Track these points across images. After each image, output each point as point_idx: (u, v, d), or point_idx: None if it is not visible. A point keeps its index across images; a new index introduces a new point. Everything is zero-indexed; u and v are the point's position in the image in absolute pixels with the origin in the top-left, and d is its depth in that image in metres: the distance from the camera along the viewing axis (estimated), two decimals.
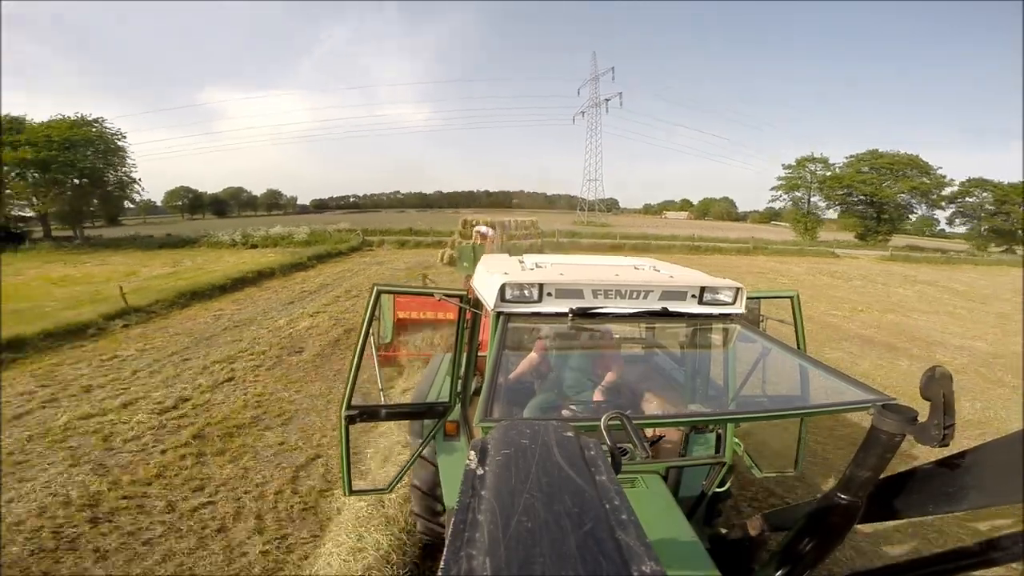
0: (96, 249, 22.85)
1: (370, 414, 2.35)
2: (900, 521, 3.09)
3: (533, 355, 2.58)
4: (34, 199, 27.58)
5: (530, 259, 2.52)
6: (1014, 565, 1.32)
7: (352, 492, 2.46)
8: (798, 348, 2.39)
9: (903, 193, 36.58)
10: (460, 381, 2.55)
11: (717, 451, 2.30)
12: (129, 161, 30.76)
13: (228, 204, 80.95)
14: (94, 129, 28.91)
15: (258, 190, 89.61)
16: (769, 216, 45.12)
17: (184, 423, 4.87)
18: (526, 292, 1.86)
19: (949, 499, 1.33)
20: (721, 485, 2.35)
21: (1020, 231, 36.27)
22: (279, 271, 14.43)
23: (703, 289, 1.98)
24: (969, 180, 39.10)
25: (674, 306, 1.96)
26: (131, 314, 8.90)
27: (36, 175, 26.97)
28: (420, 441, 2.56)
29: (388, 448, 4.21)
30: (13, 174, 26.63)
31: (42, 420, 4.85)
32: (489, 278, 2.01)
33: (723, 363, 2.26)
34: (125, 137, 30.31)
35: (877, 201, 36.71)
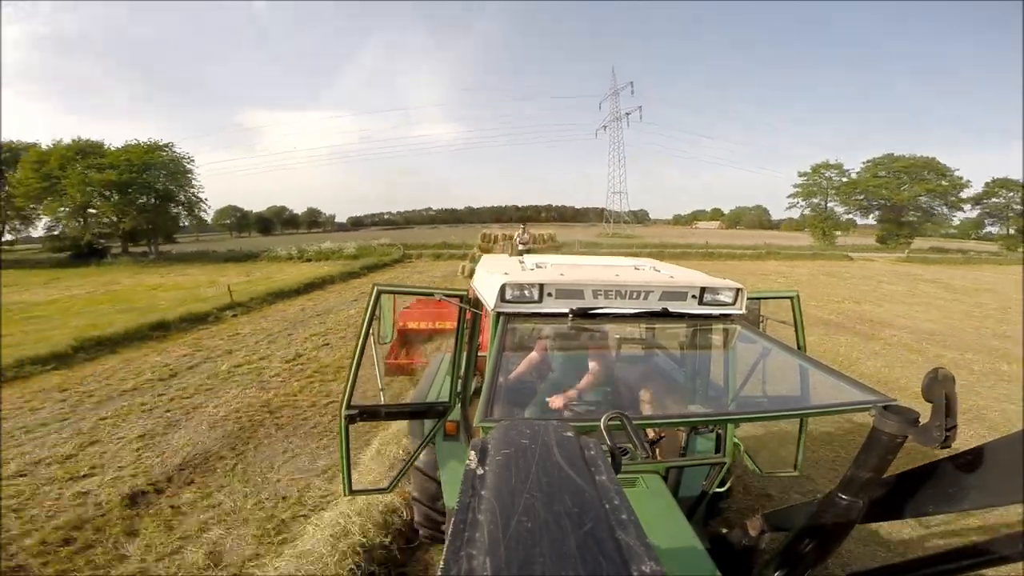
0: (170, 263, 26.30)
1: (370, 414, 2.35)
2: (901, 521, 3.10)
3: (533, 355, 2.58)
4: (114, 217, 30.55)
5: (530, 259, 2.52)
6: (1014, 565, 1.32)
7: (352, 492, 2.45)
8: (798, 348, 2.39)
9: (921, 196, 36.24)
10: (460, 381, 2.55)
11: (717, 451, 2.30)
12: (196, 183, 34.21)
13: (272, 222, 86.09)
14: (165, 153, 32.14)
15: (297, 208, 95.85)
16: (803, 223, 43.62)
17: (305, 367, 7.25)
18: (526, 292, 1.86)
19: (949, 499, 1.33)
20: (721, 485, 2.35)
21: None
22: (339, 278, 17.34)
23: (703, 290, 1.97)
24: (994, 180, 38.92)
25: (674, 306, 1.95)
26: (236, 307, 11.61)
27: (116, 196, 30.14)
28: (420, 441, 2.56)
29: None
30: (96, 195, 29.89)
31: (208, 369, 7.22)
32: (489, 278, 2.01)
33: (723, 363, 2.25)
34: (193, 161, 33.76)
35: (895, 205, 36.57)
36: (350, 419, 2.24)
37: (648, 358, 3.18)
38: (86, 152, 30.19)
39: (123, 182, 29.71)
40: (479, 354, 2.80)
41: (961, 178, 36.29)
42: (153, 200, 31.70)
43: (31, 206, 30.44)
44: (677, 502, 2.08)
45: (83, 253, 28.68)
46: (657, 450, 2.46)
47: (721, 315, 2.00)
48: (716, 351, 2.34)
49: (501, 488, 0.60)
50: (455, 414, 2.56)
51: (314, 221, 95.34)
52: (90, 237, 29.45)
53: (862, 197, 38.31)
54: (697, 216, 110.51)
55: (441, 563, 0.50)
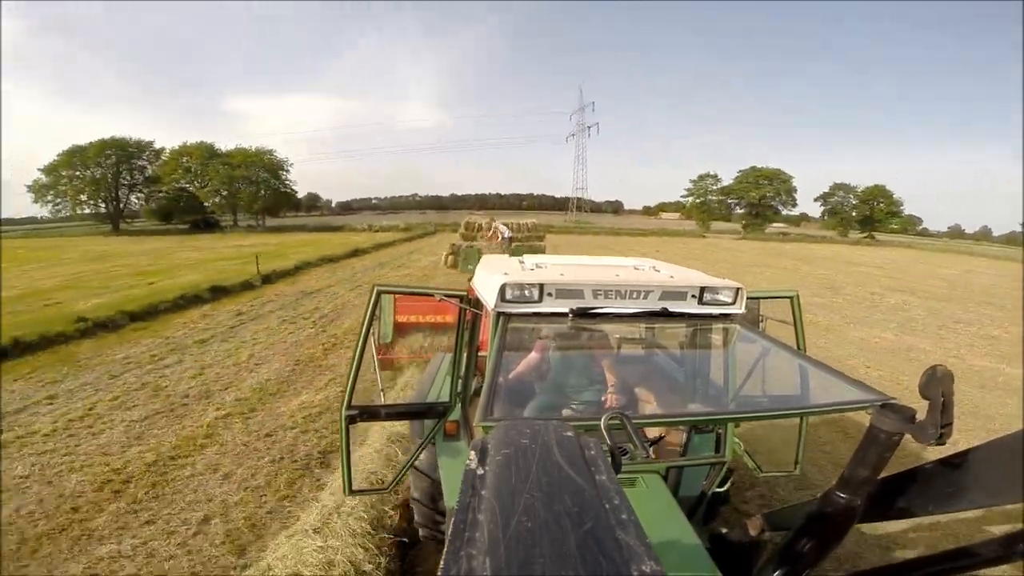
0: (275, 232, 41.25)
1: (371, 414, 2.35)
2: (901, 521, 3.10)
3: (533, 355, 2.58)
4: (249, 200, 48.03)
5: (530, 259, 2.52)
6: (1014, 565, 1.32)
7: (352, 492, 2.45)
8: (798, 348, 2.39)
9: (769, 195, 53.45)
10: (460, 381, 2.55)
11: (717, 451, 2.30)
12: (291, 178, 52.42)
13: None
14: (269, 157, 50.08)
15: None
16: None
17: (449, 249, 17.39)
18: (526, 292, 1.86)
19: (949, 499, 1.33)
20: (721, 485, 2.35)
21: (865, 219, 55.26)
22: (416, 237, 32.02)
23: (703, 289, 1.98)
24: (834, 184, 58.19)
25: (674, 306, 1.96)
26: (396, 242, 27.73)
27: (228, 188, 46.83)
28: (420, 441, 2.56)
29: None
30: (231, 184, 46.61)
31: (429, 249, 23.38)
32: (490, 278, 2.01)
33: (723, 363, 2.25)
34: (292, 164, 52.33)
35: (751, 203, 53.68)
36: (350, 419, 2.24)
37: (648, 358, 3.18)
38: (212, 153, 47.48)
39: (245, 176, 47.01)
40: (479, 354, 2.80)
41: (794, 186, 54.46)
42: (262, 189, 48.81)
43: (169, 188, 46.55)
44: (677, 502, 2.08)
45: (199, 224, 44.10)
46: (654, 449, 2.46)
47: (721, 315, 2.01)
48: (716, 351, 2.35)
49: (501, 488, 0.60)
50: (455, 414, 2.56)
51: (313, 205, 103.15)
52: (220, 212, 47.44)
53: (732, 196, 55.71)
54: (663, 207, 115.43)
55: (441, 563, 0.50)
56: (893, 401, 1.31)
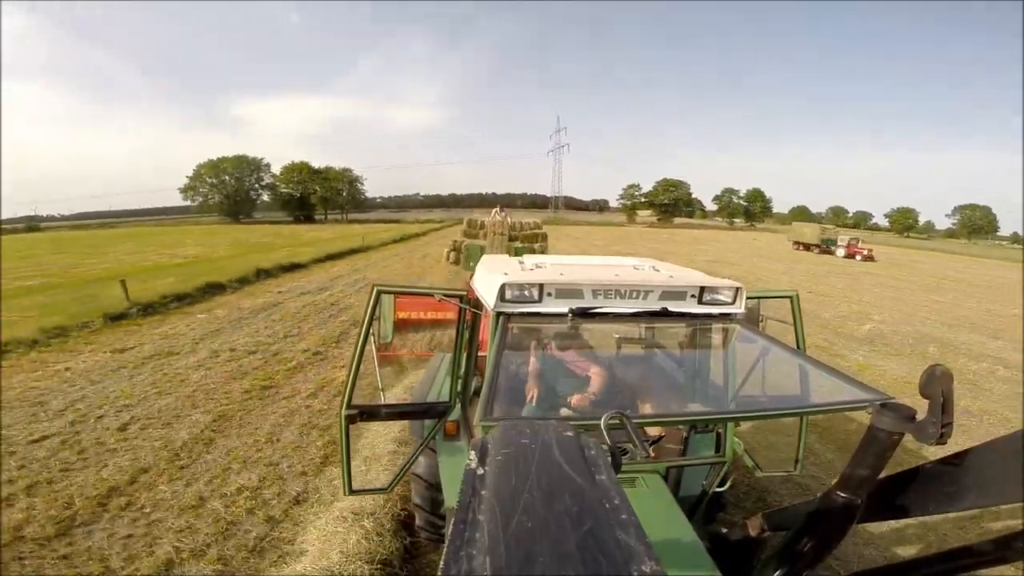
0: (357, 222, 64.60)
1: (370, 414, 2.35)
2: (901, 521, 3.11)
3: (533, 354, 2.58)
4: (341, 201, 79.42)
5: (530, 259, 2.52)
6: (1014, 565, 1.32)
7: (352, 491, 2.45)
8: (798, 348, 2.39)
9: (677, 199, 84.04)
10: (460, 381, 2.55)
11: (717, 451, 2.30)
12: (363, 187, 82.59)
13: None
14: (348, 174, 79.22)
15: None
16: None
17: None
18: (526, 292, 1.86)
19: (949, 499, 1.33)
20: (721, 485, 2.35)
21: (748, 213, 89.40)
22: (450, 225, 41.76)
23: (703, 289, 1.97)
24: (724, 188, 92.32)
25: (674, 306, 1.95)
26: (442, 228, 44.93)
27: (328, 194, 77.13)
28: (420, 441, 2.56)
29: None
30: (322, 194, 76.15)
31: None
32: (489, 278, 2.01)
33: (723, 363, 2.25)
34: (366, 179, 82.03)
35: (661, 203, 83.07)
36: (350, 419, 2.23)
37: (648, 358, 3.18)
38: (313, 170, 75.31)
39: (335, 186, 75.47)
40: (479, 354, 2.80)
41: (690, 191, 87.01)
42: (346, 194, 77.47)
43: (283, 193, 75.82)
44: (677, 502, 2.08)
45: (300, 218, 70.47)
46: (654, 449, 2.46)
47: (720, 314, 2.01)
48: (716, 350, 2.35)
49: (501, 488, 0.60)
50: (455, 414, 2.56)
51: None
52: (321, 208, 76.58)
53: (649, 198, 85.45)
54: (639, 205, 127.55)
55: (441, 563, 0.50)
56: (893, 400, 1.31)
